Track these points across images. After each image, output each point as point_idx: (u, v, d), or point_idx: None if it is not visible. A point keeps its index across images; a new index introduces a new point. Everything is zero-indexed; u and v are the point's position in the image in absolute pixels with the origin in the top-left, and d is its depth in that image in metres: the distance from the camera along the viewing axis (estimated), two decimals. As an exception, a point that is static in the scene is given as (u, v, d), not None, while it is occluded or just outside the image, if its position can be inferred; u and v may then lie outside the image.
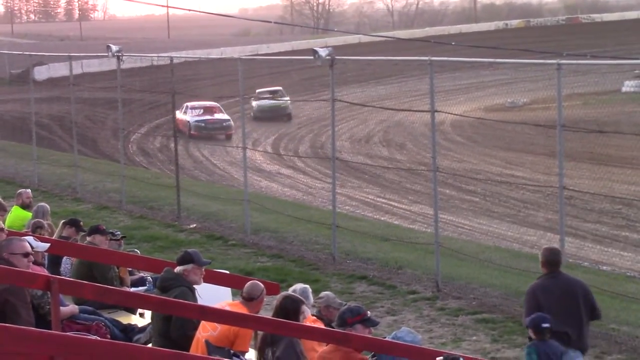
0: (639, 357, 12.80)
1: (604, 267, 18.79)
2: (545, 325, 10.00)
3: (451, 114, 23.62)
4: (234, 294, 11.60)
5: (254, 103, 47.93)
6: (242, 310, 9.31)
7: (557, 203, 15.76)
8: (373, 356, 9.62)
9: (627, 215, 24.46)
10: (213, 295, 10.74)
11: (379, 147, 38.80)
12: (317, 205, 26.65)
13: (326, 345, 8.67)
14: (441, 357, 6.92)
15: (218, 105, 45.11)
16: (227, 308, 9.35)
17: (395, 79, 56.15)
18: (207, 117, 44.12)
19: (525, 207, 26.09)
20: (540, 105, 42.68)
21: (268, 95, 50.34)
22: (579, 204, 24.56)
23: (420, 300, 15.63)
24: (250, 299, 9.54)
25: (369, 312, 8.76)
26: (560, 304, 10.30)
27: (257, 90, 48.75)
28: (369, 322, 8.62)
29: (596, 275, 17.09)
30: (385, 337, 9.88)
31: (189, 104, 44.24)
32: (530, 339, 10.26)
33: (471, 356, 9.24)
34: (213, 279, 11.31)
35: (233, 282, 11.62)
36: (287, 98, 49.50)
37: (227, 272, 12.85)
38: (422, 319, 14.70)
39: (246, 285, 9.69)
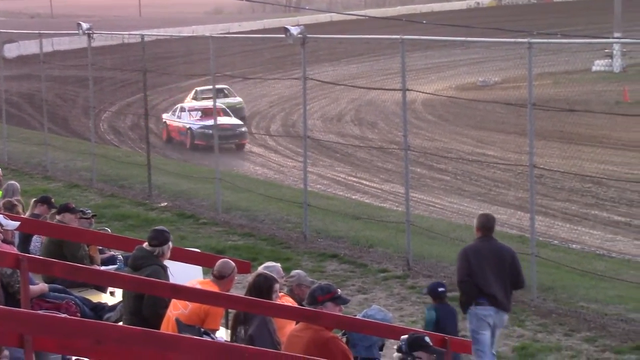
0: (608, 334, 12.91)
1: (574, 246, 18.92)
2: (441, 289, 10.84)
3: (423, 92, 23.69)
4: (205, 273, 11.59)
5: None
6: (213, 288, 9.32)
7: (527, 182, 15.84)
8: (344, 334, 9.66)
9: (596, 193, 24.61)
10: (184, 274, 10.73)
11: (351, 126, 38.82)
12: (289, 184, 26.65)
13: (297, 324, 8.69)
14: (406, 336, 6.94)
15: (222, 106, 36.18)
16: (198, 286, 9.35)
17: (367, 58, 56.09)
18: (212, 121, 34.75)
19: (496, 186, 26.20)
20: (511, 84, 42.82)
21: (211, 95, 40.28)
22: (549, 182, 24.69)
23: (391, 278, 15.68)
24: (221, 277, 9.54)
25: (339, 290, 8.78)
26: (489, 267, 10.88)
27: (198, 89, 40.26)
28: (339, 300, 8.63)
29: (566, 254, 17.22)
30: (356, 315, 9.92)
31: (185, 105, 36.73)
32: (461, 303, 11.04)
33: (440, 334, 9.29)
34: (184, 257, 11.29)
35: (204, 260, 11.61)
36: (239, 98, 41.50)
37: (198, 250, 12.85)
38: (393, 297, 14.75)
39: (217, 264, 9.70)
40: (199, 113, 36.07)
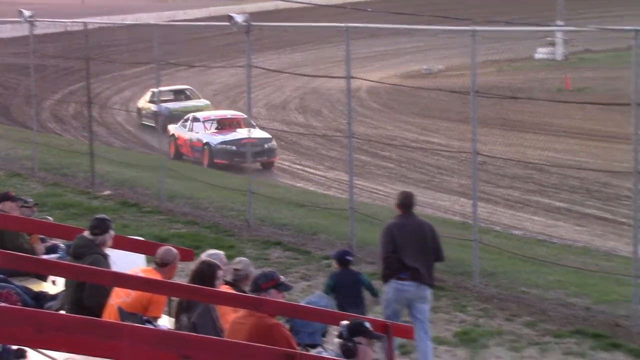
0: (548, 318, 13.07)
1: (516, 232, 19.12)
2: (349, 257, 11.47)
3: (367, 80, 23.74)
4: (148, 261, 11.55)
5: (155, 107, 31.78)
6: (156, 276, 9.31)
7: (470, 169, 15.94)
8: (287, 321, 9.70)
9: (538, 180, 24.87)
10: (127, 262, 10.69)
11: (295, 114, 38.84)
12: (233, 171, 26.61)
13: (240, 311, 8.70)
14: (346, 321, 6.99)
15: (242, 115, 30.64)
16: (140, 274, 9.33)
17: (312, 46, 56.17)
18: (236, 135, 28.72)
19: (439, 173, 26.38)
20: (455, 72, 43.06)
21: (171, 97, 36.80)
22: (492, 169, 24.89)
23: (335, 265, 15.71)
24: (163, 265, 9.53)
25: (282, 277, 8.80)
26: (412, 242, 11.30)
27: (155, 90, 31.62)
28: (282, 287, 8.66)
29: (508, 240, 17.39)
30: (299, 302, 9.96)
31: (199, 114, 30.76)
32: (384, 276, 11.45)
33: (381, 320, 9.36)
34: (127, 245, 11.25)
35: (147, 248, 11.56)
36: (205, 100, 37.36)
37: (142, 238, 12.80)
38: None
39: (159, 251, 9.68)
40: (213, 123, 30.08)
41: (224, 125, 29.72)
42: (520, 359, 11.80)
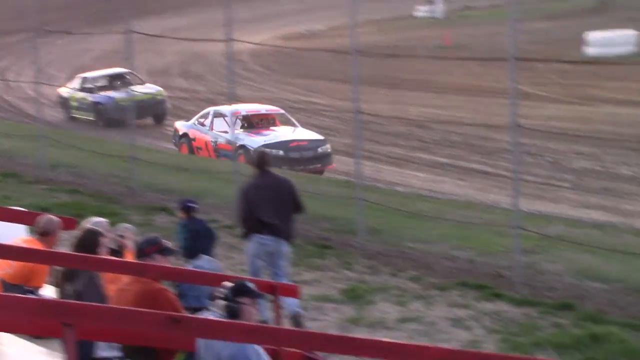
0: (433, 272, 13.28)
1: (400, 188, 19.33)
2: (190, 204, 11.78)
3: (247, 42, 23.62)
4: (30, 231, 11.37)
5: (92, 97, 30.12)
6: (37, 245, 9.19)
7: (354, 128, 16.05)
8: (176, 286, 9.69)
9: (421, 137, 25.18)
10: (8, 233, 10.51)
11: (177, 79, 38.54)
12: (116, 138, 26.28)
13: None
14: (229, 283, 7.03)
15: (277, 109, 25.47)
16: (22, 244, 9.20)
17: (192, 10, 55.70)
18: (277, 135, 23.26)
19: (324, 133, 26.48)
20: (336, 32, 43.21)
21: (105, 84, 31.34)
22: (375, 127, 25.09)
23: (221, 228, 15.66)
24: (45, 234, 9.41)
25: (166, 241, 8.75)
26: (270, 199, 11.54)
27: (88, 75, 31.73)
28: (166, 252, 8.61)
29: (392, 196, 17.60)
30: (185, 267, 9.95)
31: (223, 109, 23.58)
32: (244, 234, 11.75)
33: (267, 280, 9.42)
34: (7, 216, 11.06)
35: (28, 218, 11.36)
36: (156, 87, 30.51)
37: (23, 209, 12.60)
38: (222, 247, 14.72)
39: (40, 220, 9.55)
40: (235, 119, 22.80)
41: (252, 122, 23.98)
42: (406, 312, 11.96)
